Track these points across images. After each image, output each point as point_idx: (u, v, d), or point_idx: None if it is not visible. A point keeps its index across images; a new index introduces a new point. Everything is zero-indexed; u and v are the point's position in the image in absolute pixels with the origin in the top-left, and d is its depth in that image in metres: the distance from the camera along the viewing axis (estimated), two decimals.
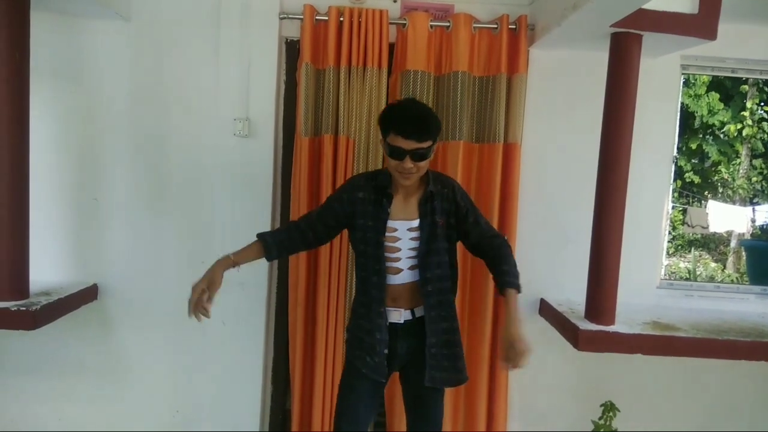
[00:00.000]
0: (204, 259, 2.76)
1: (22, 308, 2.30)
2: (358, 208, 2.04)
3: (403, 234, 2.01)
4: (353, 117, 2.66)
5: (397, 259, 2.02)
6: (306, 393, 2.80)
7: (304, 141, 2.68)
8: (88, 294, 2.73)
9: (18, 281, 2.39)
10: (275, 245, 2.06)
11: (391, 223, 2.01)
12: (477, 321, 2.75)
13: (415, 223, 2.01)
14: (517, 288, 1.96)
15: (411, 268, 2.02)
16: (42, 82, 2.58)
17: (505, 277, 1.96)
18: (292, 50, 2.77)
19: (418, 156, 1.89)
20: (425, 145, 1.88)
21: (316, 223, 2.09)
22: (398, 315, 2.04)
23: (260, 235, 2.08)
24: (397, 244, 2.01)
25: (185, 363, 2.85)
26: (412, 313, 2.05)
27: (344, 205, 2.06)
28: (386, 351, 2.02)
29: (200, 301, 1.92)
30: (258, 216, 2.74)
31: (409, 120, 1.89)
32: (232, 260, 2.02)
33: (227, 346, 2.78)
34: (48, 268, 2.72)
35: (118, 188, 2.78)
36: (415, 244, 2.01)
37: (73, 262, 2.79)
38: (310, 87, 2.66)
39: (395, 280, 2.02)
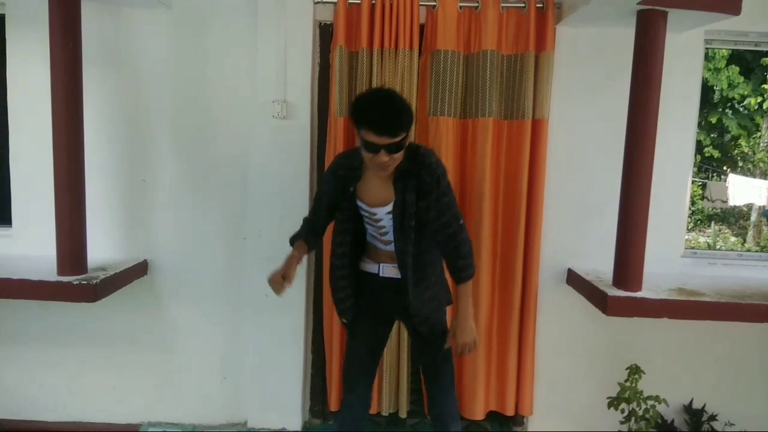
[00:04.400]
0: (245, 236, 2.94)
1: (83, 282, 2.47)
2: (344, 186, 2.11)
3: (383, 216, 2.09)
4: None
5: (386, 233, 2.12)
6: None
7: (338, 121, 2.79)
8: (140, 269, 2.90)
9: (78, 258, 2.56)
10: (308, 237, 2.22)
11: (371, 209, 2.09)
12: (506, 288, 2.88)
13: (390, 207, 2.06)
14: (468, 278, 2.10)
15: None
16: (91, 70, 2.72)
17: (458, 273, 2.10)
18: (325, 33, 2.87)
19: (393, 149, 1.88)
20: (398, 138, 1.87)
21: (321, 219, 2.23)
22: (396, 271, 2.14)
23: (295, 238, 2.23)
24: (381, 223, 2.11)
25: (231, 333, 3.02)
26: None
27: (333, 186, 2.14)
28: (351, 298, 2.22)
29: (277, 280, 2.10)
30: (296, 195, 2.88)
31: (380, 117, 1.85)
32: (294, 253, 2.18)
33: (270, 317, 2.93)
34: (101, 246, 2.88)
35: (164, 170, 2.92)
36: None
37: (124, 240, 2.95)
38: (343, 69, 2.77)
39: (389, 247, 2.14)
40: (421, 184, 1.99)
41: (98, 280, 2.49)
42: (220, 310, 3.01)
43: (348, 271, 2.19)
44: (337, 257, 2.20)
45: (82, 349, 3.04)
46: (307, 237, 2.21)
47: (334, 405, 2.98)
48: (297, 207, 2.88)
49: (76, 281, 2.47)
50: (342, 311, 2.26)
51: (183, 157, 2.92)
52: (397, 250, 2.09)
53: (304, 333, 2.97)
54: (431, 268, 2.17)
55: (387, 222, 2.10)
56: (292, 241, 2.22)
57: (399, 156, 1.93)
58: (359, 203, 2.11)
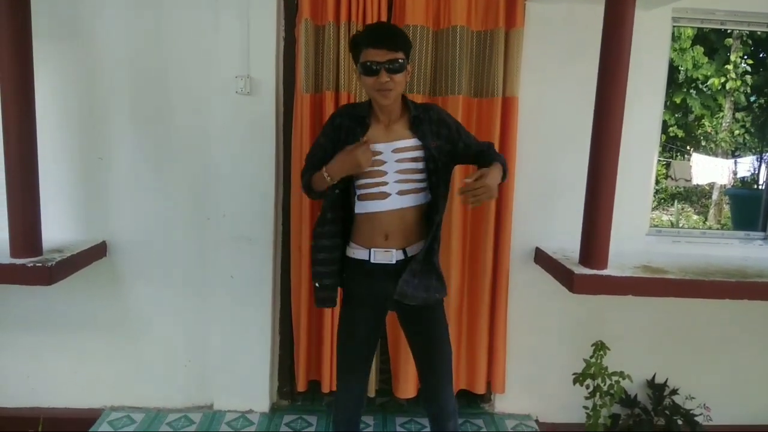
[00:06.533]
0: (209, 216, 2.87)
1: (38, 264, 2.37)
2: (340, 136, 2.02)
3: (388, 156, 1.98)
4: (354, 73, 2.69)
5: (383, 183, 1.98)
6: (313, 341, 2.94)
7: (305, 97, 2.72)
8: (98, 251, 2.80)
9: (32, 239, 2.46)
10: None
11: (373, 148, 1.97)
12: (477, 267, 2.87)
13: (404, 143, 1.99)
14: (503, 166, 1.98)
15: (401, 193, 1.99)
16: (43, 44, 2.59)
17: (492, 159, 1.99)
18: (290, 6, 2.78)
19: (393, 69, 1.88)
20: (398, 55, 1.89)
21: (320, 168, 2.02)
22: (389, 256, 2.01)
23: (309, 175, 2.06)
24: (382, 168, 1.98)
25: (195, 315, 2.95)
26: (404, 252, 2.02)
27: (329, 138, 2.04)
28: (336, 281, 2.08)
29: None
30: (261, 172, 2.81)
31: (378, 30, 1.97)
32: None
33: (236, 298, 2.88)
34: (58, 227, 2.78)
35: (122, 147, 2.81)
36: (403, 166, 1.99)
37: (81, 221, 2.84)
38: (309, 43, 2.69)
39: (382, 206, 1.99)
40: (448, 128, 2.05)
41: (54, 263, 2.40)
42: (184, 291, 2.93)
43: (337, 253, 2.06)
44: (326, 236, 2.05)
45: (41, 334, 2.93)
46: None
47: (301, 386, 2.95)
48: (262, 186, 2.82)
49: (31, 263, 2.37)
50: (324, 299, 2.10)
51: (142, 134, 2.81)
52: (433, 203, 2.01)
53: (271, 313, 2.93)
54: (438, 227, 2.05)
55: (390, 167, 1.98)
56: (308, 181, 2.05)
57: (399, 80, 1.91)
58: None
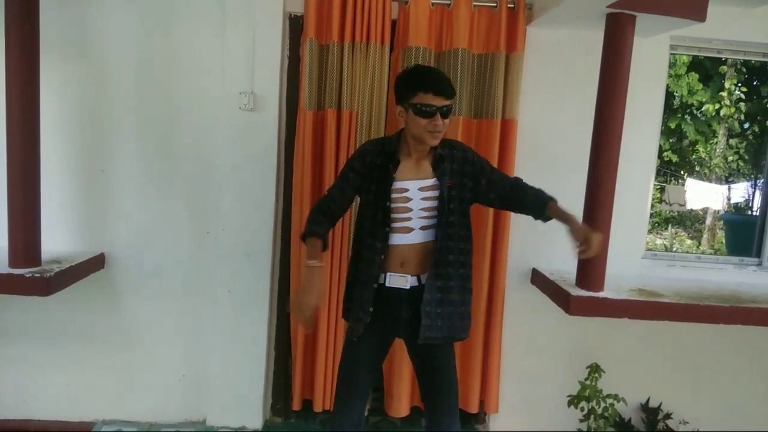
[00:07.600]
0: (209, 230, 2.88)
1: (36, 275, 2.37)
2: (372, 175, 2.10)
3: (414, 194, 2.06)
4: (356, 92, 2.73)
5: (408, 219, 2.06)
6: (308, 359, 2.93)
7: (307, 115, 2.75)
8: (96, 263, 2.80)
9: (31, 249, 2.46)
10: (326, 236, 2.10)
11: (401, 184, 2.06)
12: (473, 286, 2.85)
13: (428, 182, 2.06)
14: (552, 200, 2.14)
15: (423, 228, 2.06)
16: (50, 56, 2.61)
17: (538, 199, 2.15)
18: (295, 25, 2.82)
19: (446, 113, 1.99)
20: (451, 102, 1.99)
21: (342, 202, 2.15)
22: (404, 281, 2.06)
23: (313, 233, 2.06)
24: (408, 204, 2.05)
25: (191, 329, 2.95)
26: (419, 279, 2.08)
27: (359, 173, 2.12)
28: (371, 309, 2.08)
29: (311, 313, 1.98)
30: (262, 188, 2.83)
31: (438, 78, 2.00)
32: (318, 264, 2.03)
33: (233, 313, 2.88)
34: (56, 238, 2.77)
35: (124, 160, 2.83)
36: (427, 204, 2.06)
37: (80, 232, 2.85)
38: (313, 62, 2.73)
39: (405, 240, 2.06)
40: (472, 166, 2.12)
41: (52, 273, 2.40)
42: (181, 305, 2.93)
43: (375, 284, 2.08)
44: (364, 265, 2.10)
45: (36, 345, 2.92)
46: (325, 235, 2.08)
47: (297, 404, 2.94)
48: (263, 201, 2.84)
49: (29, 274, 2.38)
50: (355, 328, 2.12)
51: (145, 148, 2.83)
52: (439, 239, 2.05)
53: (267, 330, 2.92)
54: (452, 266, 2.09)
55: (415, 204, 2.06)
56: (307, 237, 2.06)
57: (447, 125, 2.02)
58: (393, 185, 2.06)
